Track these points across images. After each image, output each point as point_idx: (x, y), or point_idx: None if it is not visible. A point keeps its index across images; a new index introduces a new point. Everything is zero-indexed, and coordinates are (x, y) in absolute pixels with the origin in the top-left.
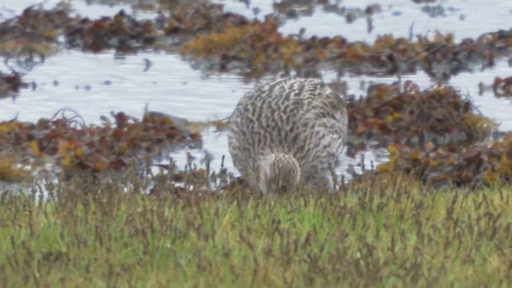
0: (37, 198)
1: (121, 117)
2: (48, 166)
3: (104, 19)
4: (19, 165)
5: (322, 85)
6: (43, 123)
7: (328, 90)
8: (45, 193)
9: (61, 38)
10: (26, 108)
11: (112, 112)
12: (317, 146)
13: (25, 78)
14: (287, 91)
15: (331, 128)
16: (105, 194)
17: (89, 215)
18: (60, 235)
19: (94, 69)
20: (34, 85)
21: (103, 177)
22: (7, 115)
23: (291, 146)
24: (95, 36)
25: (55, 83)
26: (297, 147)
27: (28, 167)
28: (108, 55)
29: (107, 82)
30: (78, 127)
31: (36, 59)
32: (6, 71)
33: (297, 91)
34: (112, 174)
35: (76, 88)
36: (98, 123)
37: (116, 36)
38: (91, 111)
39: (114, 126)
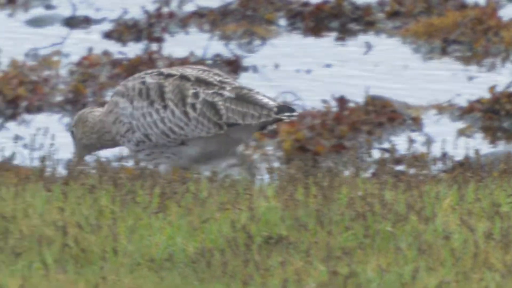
0: (257, 181)
1: (342, 101)
2: (269, 149)
3: (325, 2)
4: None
5: None
6: None
7: None
8: (266, 176)
9: (282, 21)
10: None
11: (333, 95)
12: None
13: (246, 61)
14: None
15: None
16: (325, 178)
17: (309, 199)
18: (280, 218)
19: (314, 52)
20: (254, 68)
21: (323, 161)
22: None
23: None
24: (316, 19)
25: (276, 66)
26: None
27: (249, 150)
28: (328, 38)
29: (328, 65)
30: (299, 110)
31: (257, 42)
32: (227, 54)
33: None
34: (332, 157)
35: (297, 71)
36: (319, 106)
37: (337, 19)
38: (312, 94)
39: (335, 109)
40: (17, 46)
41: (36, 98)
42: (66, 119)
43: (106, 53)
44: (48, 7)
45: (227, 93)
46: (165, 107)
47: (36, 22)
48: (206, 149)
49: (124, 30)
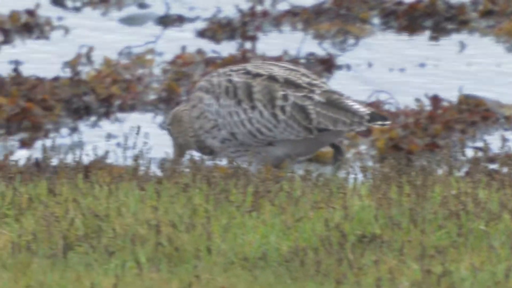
0: (351, 180)
1: (435, 100)
2: (363, 148)
3: (419, 1)
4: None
5: None
6: None
7: None
8: (359, 175)
9: (375, 20)
10: (341, 89)
11: (426, 94)
12: None
13: (339, 60)
14: None
15: None
16: (419, 176)
17: (403, 197)
18: (374, 217)
19: (408, 51)
20: (348, 67)
21: (417, 159)
22: None
23: None
24: (410, 18)
25: (369, 65)
26: None
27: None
28: (422, 37)
29: (422, 64)
30: (393, 109)
31: (351, 41)
32: (321, 52)
33: None
34: (426, 156)
35: (390, 70)
36: (413, 105)
37: (431, 18)
38: (405, 93)
39: (428, 108)
40: (110, 44)
41: (129, 96)
42: (159, 118)
43: (199, 51)
44: (142, 5)
45: (317, 97)
46: (253, 107)
47: (129, 21)
48: (293, 150)
49: (217, 29)
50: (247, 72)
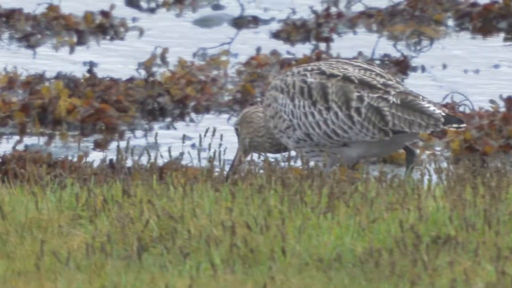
0: (425, 181)
1: (510, 101)
2: (437, 149)
3: (493, 2)
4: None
5: None
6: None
7: None
8: (434, 176)
9: (450, 22)
10: (415, 91)
11: (500, 96)
12: None
13: (414, 61)
14: None
15: None
16: (493, 178)
17: (477, 199)
18: (448, 218)
19: (482, 52)
20: (422, 68)
21: (491, 161)
22: None
23: None
24: (484, 20)
25: (444, 66)
26: None
27: (417, 151)
28: (496, 39)
29: (496, 66)
30: (467, 111)
31: (425, 42)
32: (395, 54)
33: None
34: (500, 157)
35: (465, 72)
36: (487, 106)
37: (505, 19)
38: (480, 94)
39: (502, 109)
40: (185, 46)
41: (204, 98)
42: (234, 119)
43: (274, 53)
44: (216, 7)
45: (392, 99)
46: (328, 108)
47: (204, 22)
48: (367, 152)
49: (292, 30)
50: (322, 72)
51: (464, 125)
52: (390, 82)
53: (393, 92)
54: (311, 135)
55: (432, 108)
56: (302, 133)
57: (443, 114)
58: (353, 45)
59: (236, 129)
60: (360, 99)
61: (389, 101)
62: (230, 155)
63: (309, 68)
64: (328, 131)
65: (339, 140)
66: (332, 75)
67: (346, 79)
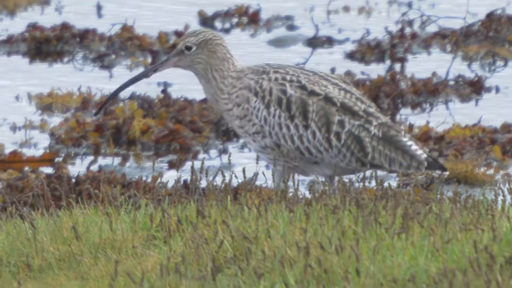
0: (499, 202)
1: None
2: (511, 170)
3: None
4: (482, 169)
5: None
6: (506, 127)
7: None
8: (508, 197)
9: None
10: (489, 111)
11: None
12: None
13: (488, 82)
14: None
15: None
16: None
17: None
18: None
19: None
20: (497, 89)
21: None
22: (471, 119)
23: None
24: None
25: None
26: None
27: (491, 171)
28: None
29: None
30: None
31: (499, 63)
32: (470, 74)
33: None
34: None
35: None
36: None
37: None
38: None
39: None
40: None
41: None
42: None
43: (348, 73)
44: (291, 27)
45: (373, 130)
46: (306, 126)
47: (278, 42)
48: (336, 172)
49: (366, 51)
50: (303, 87)
51: (446, 173)
52: (371, 110)
53: (375, 123)
54: (281, 146)
55: (414, 147)
56: (272, 141)
57: (426, 157)
58: (427, 66)
59: (188, 47)
60: (341, 124)
61: (371, 131)
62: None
63: (288, 78)
64: (301, 147)
65: (310, 159)
66: (313, 93)
67: (328, 100)
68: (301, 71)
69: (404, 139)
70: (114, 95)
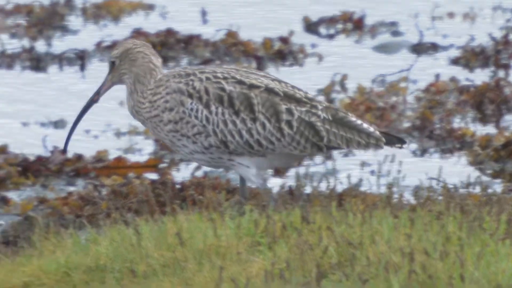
0: None
1: None
2: None
3: None
4: None
5: None
6: None
7: None
8: None
9: None
10: None
11: None
12: None
13: None
14: None
15: None
16: None
17: None
18: None
19: None
20: None
21: None
22: None
23: None
24: None
25: None
26: None
27: None
28: None
29: None
30: None
31: None
32: None
33: None
34: None
35: None
36: None
37: None
38: None
39: None
40: (364, 72)
41: (383, 124)
42: (413, 146)
43: (453, 79)
44: (395, 33)
45: (322, 114)
46: (254, 119)
47: (383, 48)
48: (280, 163)
49: (471, 57)
50: (240, 82)
51: (406, 144)
52: (310, 96)
53: (320, 107)
54: (228, 142)
55: (365, 125)
56: (217, 140)
57: (378, 132)
58: None
59: (113, 62)
60: (290, 112)
61: (320, 116)
62: (409, 181)
63: (220, 75)
64: (251, 140)
65: (260, 150)
66: (253, 86)
67: (270, 91)
68: (225, 69)
69: (354, 119)
70: (73, 128)
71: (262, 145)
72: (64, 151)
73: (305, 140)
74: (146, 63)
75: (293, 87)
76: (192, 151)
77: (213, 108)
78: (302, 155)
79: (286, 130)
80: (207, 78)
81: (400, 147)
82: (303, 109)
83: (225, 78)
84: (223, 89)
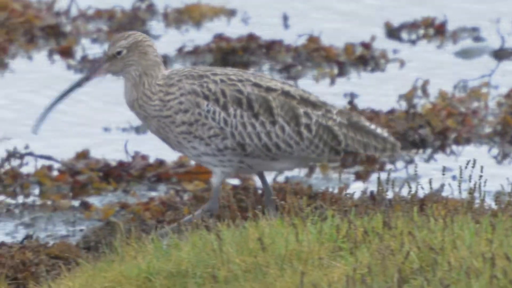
0: None
1: None
2: None
3: None
4: None
5: None
6: None
7: None
8: None
9: None
10: None
11: None
12: None
13: None
14: None
15: None
16: None
17: None
18: None
19: None
20: None
21: None
22: None
23: None
24: None
25: None
26: None
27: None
28: None
29: None
30: None
31: None
32: None
33: None
34: None
35: None
36: None
37: None
38: None
39: None
40: (446, 77)
41: (464, 130)
42: (495, 151)
43: None
44: (477, 39)
45: (337, 118)
46: (273, 122)
47: (464, 54)
48: (290, 166)
49: None
50: (257, 85)
51: (414, 150)
52: (323, 100)
53: (334, 111)
54: (246, 145)
55: (379, 130)
56: (235, 142)
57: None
58: None
59: (119, 52)
60: (308, 115)
61: (335, 120)
62: (491, 186)
63: (233, 78)
64: (269, 143)
65: (277, 153)
66: (270, 88)
67: (287, 94)
68: (236, 71)
69: (368, 123)
70: (49, 110)
71: (280, 148)
72: (34, 131)
73: (323, 144)
74: (155, 57)
75: (305, 91)
76: (202, 153)
77: (231, 110)
78: (317, 159)
79: (305, 133)
80: (222, 80)
81: (416, 153)
82: (319, 112)
83: (240, 81)
84: (240, 92)
